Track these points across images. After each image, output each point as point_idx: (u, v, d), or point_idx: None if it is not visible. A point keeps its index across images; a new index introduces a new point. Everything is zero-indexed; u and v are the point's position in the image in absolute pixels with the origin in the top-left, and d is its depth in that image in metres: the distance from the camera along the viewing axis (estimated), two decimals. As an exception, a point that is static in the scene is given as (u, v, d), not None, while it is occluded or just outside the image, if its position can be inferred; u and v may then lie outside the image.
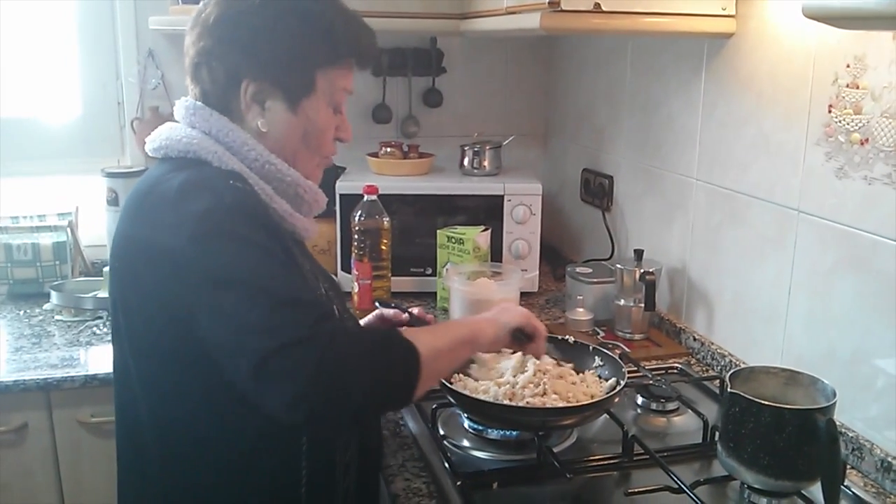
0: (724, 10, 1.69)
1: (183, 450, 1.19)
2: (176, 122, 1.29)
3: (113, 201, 2.41)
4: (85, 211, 2.47)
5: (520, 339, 1.41)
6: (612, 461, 1.41)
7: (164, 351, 1.15)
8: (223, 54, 1.24)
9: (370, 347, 1.06)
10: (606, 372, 1.55)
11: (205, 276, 1.05)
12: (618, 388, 1.43)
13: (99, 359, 1.89)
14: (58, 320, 2.13)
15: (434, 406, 1.51)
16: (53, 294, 2.15)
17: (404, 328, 1.16)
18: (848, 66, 1.40)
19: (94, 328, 2.07)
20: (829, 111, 1.45)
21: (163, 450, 1.21)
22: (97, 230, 2.46)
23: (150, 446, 1.22)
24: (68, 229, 2.36)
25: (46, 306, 2.20)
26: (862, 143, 1.38)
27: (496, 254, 2.25)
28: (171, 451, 1.21)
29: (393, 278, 2.17)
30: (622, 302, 1.99)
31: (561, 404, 1.40)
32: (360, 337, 1.07)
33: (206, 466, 1.19)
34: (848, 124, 1.41)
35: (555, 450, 1.41)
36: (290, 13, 1.25)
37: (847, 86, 1.40)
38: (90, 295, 2.16)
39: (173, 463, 1.21)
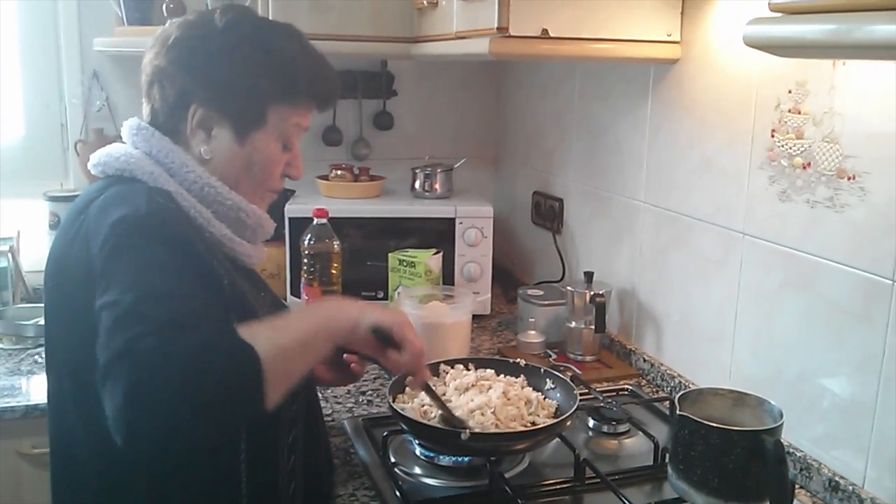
0: (669, 36, 1.72)
1: (120, 470, 1.16)
2: (123, 142, 1.27)
3: (55, 225, 2.36)
4: (27, 235, 2.41)
5: (383, 341, 1.21)
6: (564, 486, 1.41)
7: (95, 368, 1.12)
8: (175, 75, 1.24)
9: (190, 362, 0.94)
10: (558, 395, 1.55)
11: (99, 286, 1.03)
12: (569, 412, 1.43)
13: (40, 388, 1.83)
14: (-2, 348, 2.07)
15: (385, 433, 1.49)
16: (-7, 321, 2.10)
17: (249, 325, 1.07)
18: (790, 92, 1.43)
19: (36, 356, 2.02)
20: (772, 136, 1.48)
21: (99, 471, 1.18)
22: (39, 255, 2.36)
23: (86, 468, 1.19)
24: (9, 254, 2.30)
25: (-14, 334, 2.14)
26: (804, 167, 1.41)
27: (448, 277, 2.24)
28: (107, 472, 1.17)
29: (344, 302, 2.15)
30: (573, 324, 2.00)
31: (520, 428, 1.40)
32: (185, 346, 0.94)
33: (144, 488, 1.16)
34: (790, 149, 1.44)
35: (507, 475, 1.41)
36: (248, 44, 1.24)
37: (789, 111, 1.43)
38: (31, 322, 2.11)
39: (110, 485, 1.18)
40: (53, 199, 2.38)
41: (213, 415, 0.96)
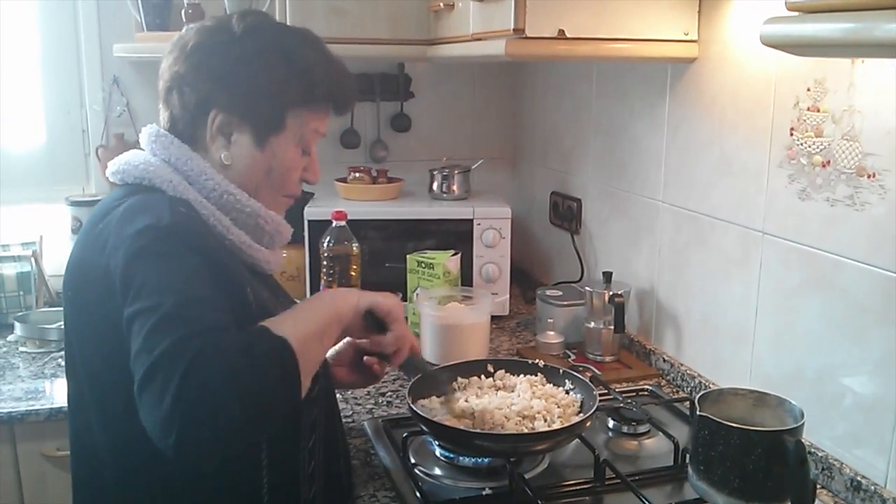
0: (686, 35, 1.71)
1: (140, 475, 1.17)
2: (141, 149, 1.28)
3: (77, 230, 2.38)
4: (49, 240, 2.44)
5: (372, 325, 1.30)
6: (584, 486, 1.41)
7: (117, 375, 1.13)
8: (196, 81, 1.24)
9: (237, 356, 0.97)
10: (578, 395, 1.55)
11: (126, 295, 1.03)
12: (589, 412, 1.43)
13: (64, 391, 1.81)
14: (22, 352, 2.09)
15: (405, 434, 1.50)
16: (17, 325, 2.12)
17: (269, 319, 1.10)
18: (808, 90, 1.42)
19: (59, 359, 2.04)
20: (791, 134, 1.47)
21: (121, 479, 1.19)
22: (62, 259, 2.37)
23: (108, 475, 1.20)
24: (32, 259, 2.33)
25: (10, 338, 2.17)
26: (823, 166, 1.40)
27: (466, 278, 2.24)
28: (129, 479, 1.18)
29: (363, 304, 2.15)
30: (592, 324, 1.99)
31: (544, 428, 1.40)
32: (227, 347, 0.97)
33: (164, 495, 1.17)
34: (809, 147, 1.43)
35: (527, 476, 1.41)
36: (269, 50, 1.25)
37: (808, 109, 1.43)
38: (55, 326, 2.13)
39: (131, 493, 1.19)
40: (75, 203, 2.40)
41: (261, 409, 0.99)
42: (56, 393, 1.86)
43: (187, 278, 1.05)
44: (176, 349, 0.95)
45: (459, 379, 1.60)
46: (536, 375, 1.59)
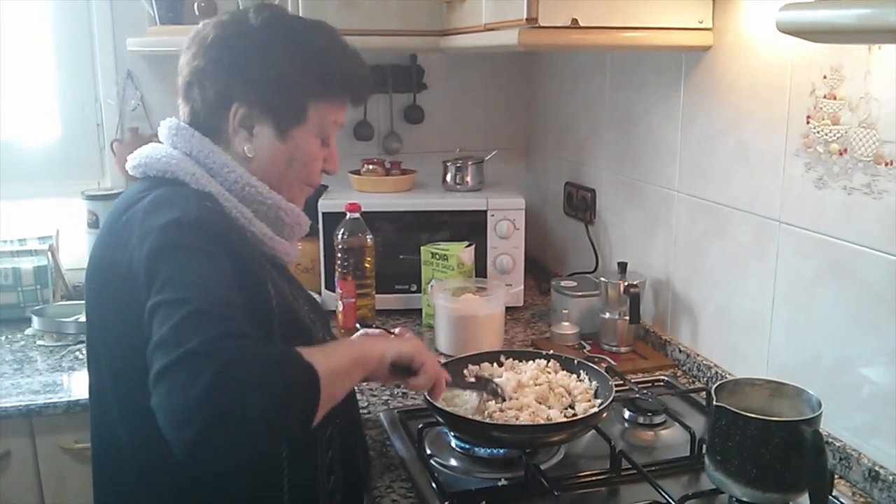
0: (700, 23, 1.70)
1: (161, 470, 1.18)
2: (160, 142, 1.28)
3: (93, 224, 2.39)
4: (66, 234, 2.45)
5: (402, 370, 1.32)
6: (600, 477, 1.41)
7: (139, 369, 1.14)
8: (216, 75, 1.25)
9: (270, 369, 0.98)
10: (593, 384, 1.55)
11: (150, 286, 1.03)
12: (605, 403, 1.43)
13: (81, 384, 1.86)
14: (40, 345, 2.11)
15: (420, 425, 1.50)
16: (35, 319, 2.13)
17: (302, 348, 1.09)
18: (825, 78, 1.41)
19: (77, 353, 2.05)
20: (808, 122, 1.46)
21: (141, 470, 1.20)
22: (78, 253, 2.44)
23: (129, 467, 1.21)
24: (49, 253, 2.34)
25: (28, 331, 2.18)
26: (840, 154, 1.39)
27: (480, 269, 2.24)
28: (149, 471, 1.19)
29: (377, 296, 2.16)
30: (607, 315, 1.99)
31: (561, 419, 1.40)
32: (263, 357, 0.98)
33: (185, 486, 1.18)
34: (826, 135, 1.42)
35: (542, 467, 1.41)
36: (286, 42, 1.26)
37: (824, 97, 1.41)
38: (72, 319, 2.14)
39: (152, 484, 1.20)
40: (91, 197, 2.42)
41: (278, 422, 0.98)
42: (74, 386, 1.88)
43: (215, 275, 1.05)
44: (211, 345, 0.94)
45: (470, 366, 1.60)
46: (549, 362, 1.59)
